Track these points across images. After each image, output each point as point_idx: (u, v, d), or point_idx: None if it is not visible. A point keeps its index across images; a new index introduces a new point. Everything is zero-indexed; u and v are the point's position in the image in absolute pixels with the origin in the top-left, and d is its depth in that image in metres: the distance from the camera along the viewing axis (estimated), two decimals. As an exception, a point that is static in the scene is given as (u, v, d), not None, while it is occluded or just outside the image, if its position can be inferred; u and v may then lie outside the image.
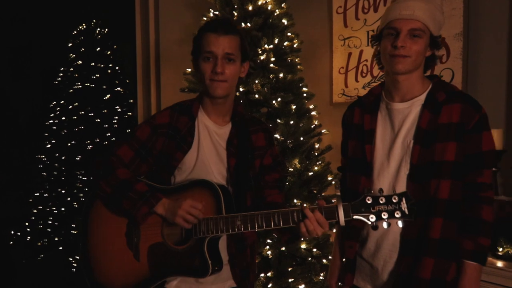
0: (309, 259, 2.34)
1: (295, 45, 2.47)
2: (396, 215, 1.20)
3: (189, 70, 2.49)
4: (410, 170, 1.36)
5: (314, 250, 2.25)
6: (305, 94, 2.39)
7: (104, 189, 1.43)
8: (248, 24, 2.30)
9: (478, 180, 1.34)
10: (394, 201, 1.21)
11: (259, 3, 2.30)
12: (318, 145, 2.53)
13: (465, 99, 1.37)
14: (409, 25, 1.36)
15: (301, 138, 2.33)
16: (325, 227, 1.26)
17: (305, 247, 2.24)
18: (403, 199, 1.21)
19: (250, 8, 2.31)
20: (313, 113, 2.54)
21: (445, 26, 1.96)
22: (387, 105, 1.47)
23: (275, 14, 2.46)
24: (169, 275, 1.41)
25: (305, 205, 2.32)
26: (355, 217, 1.24)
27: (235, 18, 2.34)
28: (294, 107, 2.35)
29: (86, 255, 1.49)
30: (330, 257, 2.30)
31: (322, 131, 2.66)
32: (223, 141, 1.49)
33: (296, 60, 2.55)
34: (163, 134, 1.48)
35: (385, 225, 1.22)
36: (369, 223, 1.22)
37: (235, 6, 2.32)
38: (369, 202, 1.23)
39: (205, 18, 2.44)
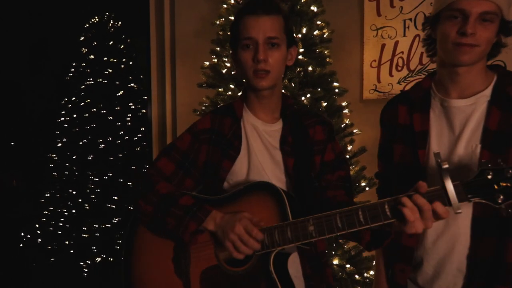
0: (340, 274, 2.08)
1: (325, 35, 2.19)
2: None
3: (207, 63, 2.25)
4: None
5: (348, 266, 1.98)
6: (336, 90, 2.12)
7: (144, 210, 1.23)
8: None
9: None
10: None
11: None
12: (350, 147, 2.26)
13: None
14: (481, 7, 1.11)
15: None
16: (433, 219, 0.96)
17: (337, 262, 1.98)
18: None
19: (276, -7, 2.06)
20: (345, 111, 2.27)
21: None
22: (442, 102, 1.24)
23: (303, 0, 2.20)
24: None
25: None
26: (474, 200, 0.95)
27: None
28: (324, 104, 2.08)
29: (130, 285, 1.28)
30: (366, 275, 2.03)
31: (354, 131, 2.39)
32: (276, 141, 1.27)
33: (326, 52, 2.28)
34: (206, 140, 1.29)
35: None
36: (497, 205, 0.93)
37: (259, -9, 2.07)
38: (489, 177, 0.94)
39: (225, 6, 2.19)
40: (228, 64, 2.17)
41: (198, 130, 1.30)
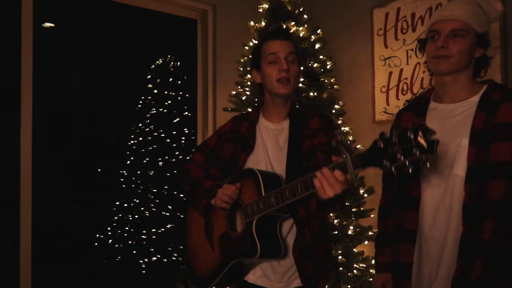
0: (340, 268, 2.39)
1: (327, 67, 2.64)
2: (414, 152, 0.95)
3: (234, 92, 2.80)
4: (466, 173, 1.28)
5: (340, 258, 2.31)
6: (333, 111, 2.52)
7: (184, 189, 1.63)
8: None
9: None
10: (409, 137, 0.97)
11: (291, 31, 2.55)
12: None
13: None
14: (449, 26, 1.33)
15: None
16: (339, 184, 1.15)
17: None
18: (420, 132, 0.97)
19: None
20: (346, 129, 2.65)
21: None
22: (436, 106, 1.43)
23: (311, 39, 2.68)
24: (232, 259, 1.49)
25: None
26: (366, 167, 1.06)
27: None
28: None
29: (187, 251, 1.70)
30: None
31: (357, 146, 2.74)
32: (284, 136, 1.55)
33: (332, 80, 2.71)
34: (228, 139, 1.63)
35: (408, 169, 0.97)
36: (384, 169, 1.01)
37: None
38: (381, 146, 1.01)
39: (246, 48, 2.75)
40: (248, 93, 2.70)
41: (222, 132, 1.67)
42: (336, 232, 2.39)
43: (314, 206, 1.45)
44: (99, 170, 6.06)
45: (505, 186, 1.24)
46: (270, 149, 1.56)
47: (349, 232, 2.38)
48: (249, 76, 2.59)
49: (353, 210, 2.54)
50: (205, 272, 1.60)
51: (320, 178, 1.19)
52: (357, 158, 1.09)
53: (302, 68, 1.65)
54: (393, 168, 1.00)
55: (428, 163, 0.98)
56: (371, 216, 2.59)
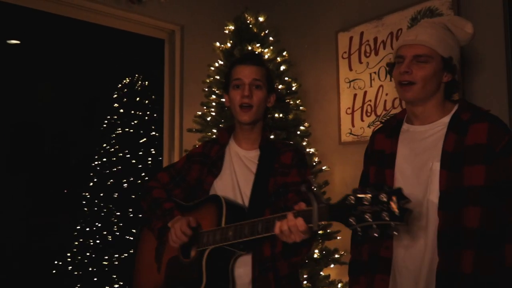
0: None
1: (293, 88, 2.63)
2: (384, 217, 0.92)
3: (199, 113, 2.74)
4: (439, 199, 1.22)
5: (305, 282, 2.24)
6: (298, 132, 2.50)
7: (143, 207, 1.61)
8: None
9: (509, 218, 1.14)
10: (382, 199, 0.94)
11: (256, 52, 2.54)
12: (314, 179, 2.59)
13: (493, 119, 1.24)
14: (413, 51, 1.28)
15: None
16: (299, 233, 1.11)
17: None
18: (394, 197, 0.93)
19: (251, 56, 2.55)
20: (312, 150, 2.63)
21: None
22: (408, 128, 1.40)
23: (277, 61, 2.68)
24: (175, 286, 1.44)
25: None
26: (331, 221, 1.04)
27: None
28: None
29: (133, 268, 1.65)
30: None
31: (323, 167, 2.72)
32: (253, 165, 1.51)
33: (297, 101, 2.71)
34: (196, 161, 1.60)
35: (374, 233, 0.93)
36: (350, 227, 0.98)
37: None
38: (352, 202, 0.98)
39: (212, 68, 2.71)
40: (213, 113, 2.65)
41: (192, 154, 1.65)
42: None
43: (279, 249, 1.37)
44: (64, 191, 5.78)
45: (481, 213, 1.17)
46: (239, 174, 1.52)
47: (315, 256, 2.32)
48: (214, 96, 2.54)
49: (319, 232, 2.49)
50: None
51: (282, 223, 1.15)
52: (324, 210, 1.05)
53: (274, 95, 1.59)
54: (358, 227, 0.96)
55: (395, 232, 0.93)
56: (338, 238, 2.55)
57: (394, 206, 0.91)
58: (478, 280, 1.15)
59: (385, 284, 1.31)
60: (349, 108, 3.10)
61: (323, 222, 1.06)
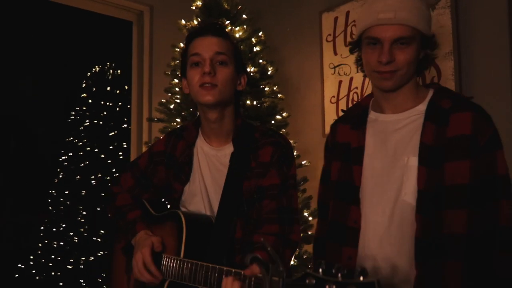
0: None
1: (269, 73, 2.31)
2: None
3: (164, 100, 2.42)
4: (417, 200, 1.05)
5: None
6: (273, 122, 2.19)
7: (110, 216, 1.40)
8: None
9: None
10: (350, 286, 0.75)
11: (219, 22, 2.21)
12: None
13: (477, 108, 1.09)
14: (394, 33, 1.06)
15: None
16: None
17: None
18: None
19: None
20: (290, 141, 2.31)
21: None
22: (377, 117, 1.19)
23: (251, 42, 2.36)
24: None
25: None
26: None
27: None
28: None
29: (110, 279, 1.47)
30: None
31: (303, 162, 2.42)
32: (224, 166, 1.24)
33: (274, 88, 2.39)
34: (161, 163, 1.32)
35: None
36: None
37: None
38: (312, 283, 0.80)
39: (177, 50, 2.39)
40: (178, 101, 2.32)
41: (153, 152, 1.34)
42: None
43: None
44: (29, 189, 5.40)
45: (468, 217, 1.02)
46: (208, 181, 1.26)
47: (291, 263, 2.01)
48: (176, 80, 2.21)
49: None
50: None
51: (226, 283, 0.97)
52: (278, 285, 0.84)
53: (245, 76, 1.29)
54: None
55: None
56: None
57: None
58: None
59: None
60: (333, 96, 2.79)
61: None
